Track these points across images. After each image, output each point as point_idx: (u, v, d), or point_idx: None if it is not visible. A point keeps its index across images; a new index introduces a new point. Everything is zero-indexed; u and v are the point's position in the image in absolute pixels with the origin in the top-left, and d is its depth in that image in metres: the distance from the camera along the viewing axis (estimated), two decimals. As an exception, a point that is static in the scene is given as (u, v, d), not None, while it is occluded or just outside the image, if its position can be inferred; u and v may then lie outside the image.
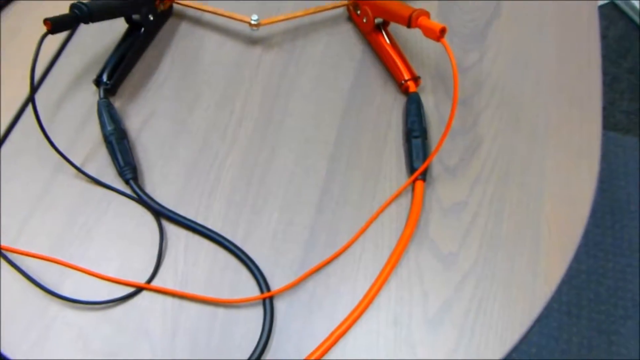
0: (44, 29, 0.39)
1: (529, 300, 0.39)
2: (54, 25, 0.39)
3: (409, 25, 0.42)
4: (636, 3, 1.60)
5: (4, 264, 0.39)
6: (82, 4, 0.41)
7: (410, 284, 0.39)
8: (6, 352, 0.36)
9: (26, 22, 0.51)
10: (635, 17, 1.62)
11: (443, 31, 0.40)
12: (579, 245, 0.42)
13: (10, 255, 0.39)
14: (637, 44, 1.61)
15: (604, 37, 1.63)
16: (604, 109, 1.51)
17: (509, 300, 0.39)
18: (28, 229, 0.41)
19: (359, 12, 0.51)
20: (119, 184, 0.43)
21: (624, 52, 1.60)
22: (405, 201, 0.43)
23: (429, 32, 0.41)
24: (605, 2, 1.67)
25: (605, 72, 1.57)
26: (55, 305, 0.38)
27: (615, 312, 1.23)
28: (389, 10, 0.45)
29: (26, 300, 0.38)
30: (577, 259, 1.29)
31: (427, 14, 0.42)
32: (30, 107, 0.46)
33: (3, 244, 0.40)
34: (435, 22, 0.40)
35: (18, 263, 0.39)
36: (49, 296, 0.38)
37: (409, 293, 0.39)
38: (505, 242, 0.41)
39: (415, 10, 0.42)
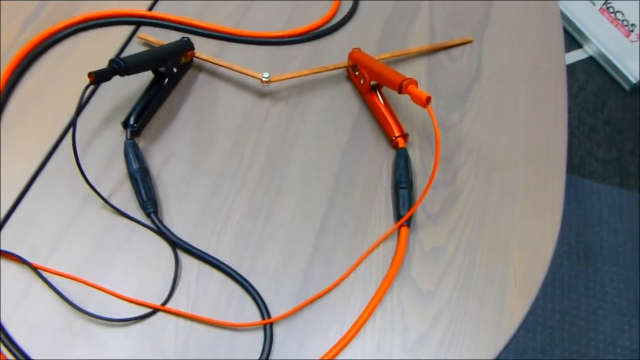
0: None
1: (494, 335, 0.45)
2: (97, 78, 0.45)
3: (400, 92, 0.49)
4: (612, 59, 1.71)
5: (37, 280, 0.44)
6: (120, 59, 0.47)
7: (392, 317, 0.45)
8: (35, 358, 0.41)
9: (60, 67, 0.58)
10: (612, 72, 1.73)
11: (428, 99, 0.46)
12: (540, 288, 0.48)
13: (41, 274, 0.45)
14: (613, 96, 1.72)
15: (582, 89, 1.73)
16: (581, 158, 1.59)
17: (477, 335, 0.45)
18: (58, 252, 0.46)
19: (357, 73, 0.58)
20: (141, 216, 0.48)
21: (601, 105, 1.70)
22: (391, 244, 0.49)
23: (416, 99, 0.47)
24: (585, 57, 1.78)
25: (583, 123, 1.66)
26: (80, 320, 0.43)
27: (587, 352, 1.29)
28: (383, 76, 0.52)
29: (55, 313, 0.43)
30: (552, 300, 1.36)
31: (415, 82, 0.49)
32: (64, 143, 0.52)
33: (35, 263, 0.45)
34: (422, 90, 0.47)
35: (49, 281, 0.44)
36: (75, 312, 0.43)
37: (391, 325, 0.45)
38: (477, 284, 0.47)
39: (405, 79, 0.49)
